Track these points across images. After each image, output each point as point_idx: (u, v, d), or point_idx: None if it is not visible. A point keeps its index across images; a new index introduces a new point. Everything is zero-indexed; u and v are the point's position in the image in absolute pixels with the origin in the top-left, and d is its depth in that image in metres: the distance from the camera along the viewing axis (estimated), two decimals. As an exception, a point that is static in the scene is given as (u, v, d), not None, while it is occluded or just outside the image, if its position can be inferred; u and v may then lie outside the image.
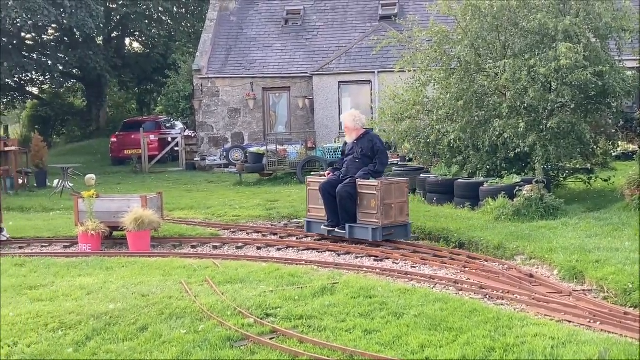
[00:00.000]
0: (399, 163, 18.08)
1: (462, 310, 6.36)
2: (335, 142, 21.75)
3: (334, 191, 10.35)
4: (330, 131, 23.47)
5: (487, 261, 9.12)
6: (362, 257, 9.67)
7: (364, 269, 8.73)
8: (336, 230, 10.55)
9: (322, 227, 10.74)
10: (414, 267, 9.01)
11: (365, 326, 6.04)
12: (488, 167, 13.59)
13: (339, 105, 23.81)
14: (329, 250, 10.10)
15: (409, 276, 8.31)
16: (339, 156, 19.59)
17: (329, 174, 10.74)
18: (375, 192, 10.08)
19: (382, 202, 10.02)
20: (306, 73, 24.62)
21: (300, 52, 25.82)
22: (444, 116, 14.02)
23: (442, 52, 14.57)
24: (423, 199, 13.87)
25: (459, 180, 13.18)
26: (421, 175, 14.38)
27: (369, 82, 23.45)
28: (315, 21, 26.95)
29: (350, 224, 10.39)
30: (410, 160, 17.43)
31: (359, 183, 10.23)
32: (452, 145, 13.82)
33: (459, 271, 8.63)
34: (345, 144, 10.79)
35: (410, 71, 15.43)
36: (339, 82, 23.81)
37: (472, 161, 13.77)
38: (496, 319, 6.07)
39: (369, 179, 10.22)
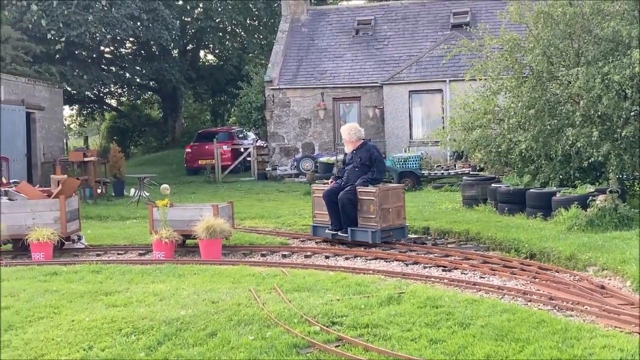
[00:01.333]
0: (470, 173, 17.94)
1: (530, 321, 6.29)
2: (405, 151, 21.72)
3: (336, 198, 11.19)
4: (400, 141, 23.44)
5: (558, 272, 8.98)
6: (430, 267, 9.64)
7: (432, 279, 8.71)
8: (339, 233, 11.37)
9: (327, 231, 11.61)
10: (483, 277, 8.94)
11: (430, 335, 6.04)
12: (561, 176, 13.36)
13: (410, 115, 23.75)
14: (396, 260, 10.12)
15: (477, 286, 8.26)
16: (410, 165, 19.69)
17: (332, 182, 11.59)
18: (373, 198, 10.89)
19: (379, 207, 10.84)
20: (376, 83, 24.65)
21: (371, 61, 25.88)
22: (515, 125, 13.87)
23: (514, 60, 14.43)
24: (494, 209, 13.71)
25: (531, 190, 12.99)
26: (492, 184, 14.23)
27: (440, 91, 23.32)
28: (386, 31, 26.98)
29: (352, 228, 11.19)
30: (482, 169, 17.27)
31: (359, 190, 11.03)
32: (523, 154, 13.66)
33: (528, 282, 8.52)
34: (345, 154, 11.63)
35: (481, 79, 15.33)
36: (410, 91, 23.75)
37: (545, 171, 13.56)
38: (564, 330, 5.99)
39: (367, 185, 11.00)
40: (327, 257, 10.56)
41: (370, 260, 10.27)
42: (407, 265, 9.82)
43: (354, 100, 25.45)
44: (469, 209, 14.33)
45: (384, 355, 5.67)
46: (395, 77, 23.97)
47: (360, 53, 26.32)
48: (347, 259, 10.41)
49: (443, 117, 21.82)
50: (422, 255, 10.35)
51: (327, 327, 6.36)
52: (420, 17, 27.06)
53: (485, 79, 15.06)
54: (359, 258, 10.42)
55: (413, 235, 12.22)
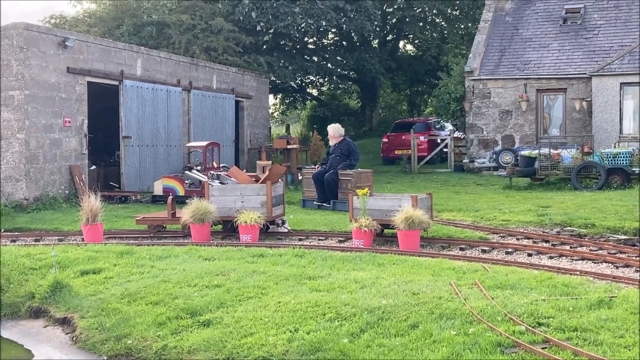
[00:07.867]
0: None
1: None
2: (614, 147, 20.51)
3: (322, 178, 14.95)
4: (609, 135, 22.18)
5: None
6: (643, 271, 9.05)
7: (646, 284, 8.16)
8: (324, 205, 15.30)
9: (314, 202, 15.56)
10: None
11: (646, 345, 5.67)
12: None
13: (620, 108, 22.40)
14: (605, 262, 9.59)
15: (698, 295, 7.63)
16: (619, 162, 18.59)
17: (318, 167, 15.28)
18: (350, 179, 14.60)
19: (355, 185, 13.93)
20: (584, 74, 23.47)
21: (579, 52, 24.68)
22: None
23: None
24: None
25: None
26: None
27: (655, 83, 21.78)
28: (596, 19, 25.60)
29: (334, 200, 15.23)
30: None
31: (340, 173, 14.81)
32: None
33: None
34: (330, 146, 15.55)
35: None
36: (621, 83, 22.38)
37: None
38: None
39: (346, 169, 14.77)
40: (529, 255, 10.23)
41: (576, 260, 9.82)
42: (617, 267, 9.29)
43: (559, 92, 24.41)
44: (687, 211, 13.28)
45: (594, 361, 5.40)
46: (606, 69, 22.69)
47: (567, 43, 25.17)
48: (551, 257, 10.02)
49: (658, 111, 20.37)
50: (634, 257, 9.73)
51: (532, 327, 6.16)
52: (634, 5, 25.38)
53: None
54: (564, 257, 9.99)
55: (622, 237, 11.54)
